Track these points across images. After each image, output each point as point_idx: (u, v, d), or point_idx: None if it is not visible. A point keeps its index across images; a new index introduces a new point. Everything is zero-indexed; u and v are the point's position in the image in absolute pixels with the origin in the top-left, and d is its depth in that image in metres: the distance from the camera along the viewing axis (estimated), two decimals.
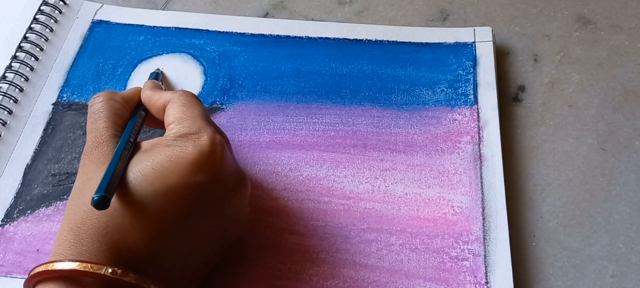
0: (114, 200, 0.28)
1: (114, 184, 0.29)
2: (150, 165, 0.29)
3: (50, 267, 0.27)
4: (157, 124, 0.37)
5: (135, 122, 0.35)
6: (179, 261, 0.31)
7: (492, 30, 0.46)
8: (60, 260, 0.27)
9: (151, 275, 0.29)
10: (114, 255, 0.28)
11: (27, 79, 0.44)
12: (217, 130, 0.34)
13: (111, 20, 0.48)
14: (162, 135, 0.33)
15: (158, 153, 0.30)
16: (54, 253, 0.28)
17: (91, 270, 0.27)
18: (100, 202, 0.27)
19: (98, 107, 0.34)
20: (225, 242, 0.34)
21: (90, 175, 0.31)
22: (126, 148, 0.31)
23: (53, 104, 0.43)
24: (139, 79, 0.45)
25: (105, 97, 0.35)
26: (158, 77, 0.43)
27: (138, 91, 0.37)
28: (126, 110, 0.36)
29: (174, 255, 0.30)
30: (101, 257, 0.28)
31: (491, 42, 0.46)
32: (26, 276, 0.35)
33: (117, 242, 0.28)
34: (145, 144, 0.32)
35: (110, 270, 0.27)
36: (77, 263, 0.27)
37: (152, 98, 0.36)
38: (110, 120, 0.34)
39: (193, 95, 0.34)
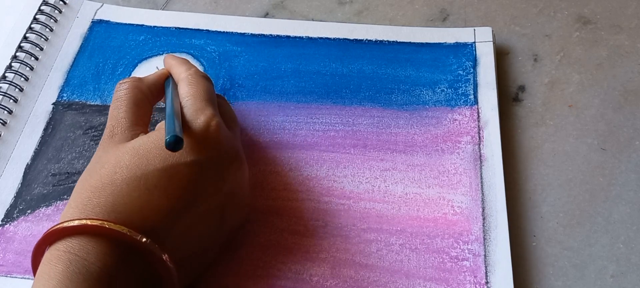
0: (119, 180, 0.30)
1: (179, 126, 0.31)
2: (153, 145, 0.31)
3: (61, 226, 0.28)
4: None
5: (169, 90, 0.36)
6: (183, 242, 0.31)
7: (492, 31, 0.46)
8: (70, 220, 0.28)
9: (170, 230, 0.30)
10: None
11: (27, 79, 0.44)
12: (223, 108, 0.37)
13: (111, 20, 0.48)
14: None
15: (160, 134, 0.32)
16: (61, 218, 0.29)
17: (106, 225, 0.28)
18: (175, 142, 0.29)
19: (121, 95, 0.35)
20: (227, 226, 0.34)
21: (98, 159, 0.32)
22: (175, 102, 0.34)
23: (53, 104, 0.43)
24: None
25: (129, 86, 0.36)
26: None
27: (162, 74, 0.38)
28: (149, 100, 0.37)
29: (178, 236, 0.31)
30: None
31: (491, 42, 0.46)
32: (27, 276, 0.35)
33: (123, 221, 0.29)
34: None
35: (125, 229, 0.28)
36: (88, 220, 0.28)
37: (173, 70, 0.38)
38: (130, 110, 0.34)
39: (200, 74, 0.36)
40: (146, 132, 0.34)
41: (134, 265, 0.29)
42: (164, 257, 0.29)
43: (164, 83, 0.38)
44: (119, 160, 0.31)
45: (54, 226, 0.28)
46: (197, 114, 0.33)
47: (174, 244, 0.30)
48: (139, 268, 0.29)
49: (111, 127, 0.34)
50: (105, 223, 0.28)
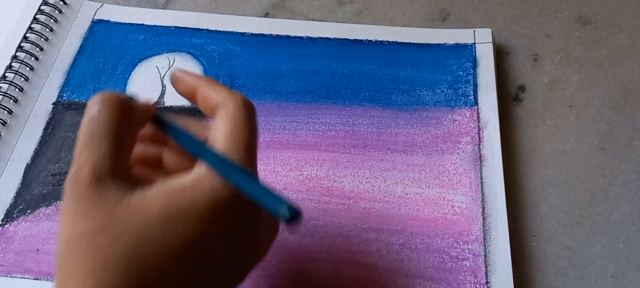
0: (149, 253, 0.23)
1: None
2: (188, 210, 0.24)
3: None
4: (155, 139, 0.30)
5: (185, 132, 0.27)
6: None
7: (492, 32, 0.46)
8: None
9: None
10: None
11: (27, 79, 0.44)
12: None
13: (111, 20, 0.48)
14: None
15: (195, 194, 0.24)
16: None
17: None
18: (297, 215, 0.23)
19: (101, 115, 0.25)
20: (248, 272, 0.29)
21: (100, 223, 0.23)
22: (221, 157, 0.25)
23: (53, 104, 0.43)
24: (139, 78, 0.45)
25: (114, 104, 0.26)
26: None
27: (152, 106, 0.29)
28: (137, 128, 0.27)
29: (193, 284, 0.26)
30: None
31: (491, 44, 0.46)
32: (26, 276, 0.35)
33: (142, 275, 0.23)
34: (161, 182, 0.25)
35: None
36: None
37: (207, 91, 0.27)
38: (117, 142, 0.25)
39: (248, 109, 0.27)
40: (136, 176, 0.26)
41: None
42: None
43: (151, 113, 0.28)
44: (147, 231, 0.23)
45: None
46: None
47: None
48: None
49: (92, 165, 0.24)
50: None
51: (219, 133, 0.26)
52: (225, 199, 0.24)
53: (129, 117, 0.26)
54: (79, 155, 0.24)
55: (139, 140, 0.28)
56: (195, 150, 0.26)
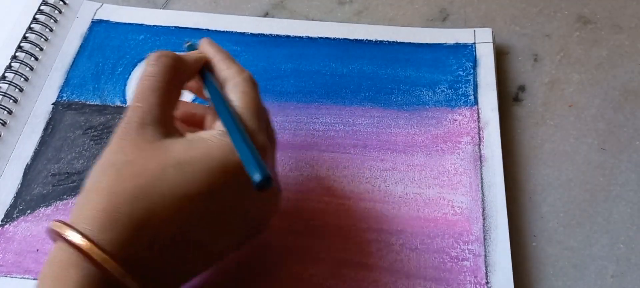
0: (157, 193, 0.27)
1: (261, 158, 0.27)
2: (200, 163, 0.28)
3: (64, 232, 0.26)
4: (199, 93, 0.34)
5: (216, 89, 0.31)
6: (198, 258, 0.30)
7: (492, 31, 0.46)
8: (73, 229, 0.26)
9: (161, 270, 0.27)
10: (139, 243, 0.26)
11: (27, 79, 0.44)
12: (267, 124, 0.33)
13: (111, 20, 0.48)
14: None
15: (209, 151, 0.28)
16: (76, 218, 0.26)
17: (94, 256, 0.25)
18: (267, 183, 0.26)
19: (156, 71, 0.30)
20: (244, 242, 0.33)
21: (131, 158, 0.28)
22: (235, 118, 0.29)
23: (53, 104, 0.43)
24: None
25: (167, 62, 0.30)
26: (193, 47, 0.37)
27: (199, 59, 0.33)
28: (184, 83, 0.32)
29: (198, 252, 0.29)
30: (128, 243, 0.26)
31: (491, 44, 0.46)
32: (26, 276, 0.35)
33: (148, 234, 0.27)
34: (190, 135, 0.30)
35: (114, 266, 0.25)
36: (85, 241, 0.25)
37: (219, 65, 0.32)
38: (165, 96, 0.30)
39: (254, 83, 0.32)
40: (176, 128, 0.30)
41: None
42: None
43: (198, 68, 0.33)
44: (162, 174, 0.27)
45: (61, 227, 0.26)
46: (252, 137, 0.29)
47: (191, 260, 0.29)
48: None
49: (141, 114, 0.29)
50: (108, 260, 0.25)
51: (234, 102, 0.30)
52: (237, 160, 0.27)
53: (177, 75, 0.31)
54: (133, 104, 0.29)
55: (189, 90, 0.34)
56: (220, 111, 0.30)
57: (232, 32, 0.47)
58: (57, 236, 0.26)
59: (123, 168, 0.27)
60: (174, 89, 0.31)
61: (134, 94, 0.30)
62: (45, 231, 0.28)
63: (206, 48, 0.34)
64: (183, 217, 0.27)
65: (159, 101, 0.29)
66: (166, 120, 0.29)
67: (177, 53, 0.32)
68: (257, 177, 0.26)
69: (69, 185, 0.39)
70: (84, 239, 0.25)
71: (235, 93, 0.31)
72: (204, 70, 0.33)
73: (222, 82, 0.32)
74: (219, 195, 0.28)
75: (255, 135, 0.29)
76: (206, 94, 0.32)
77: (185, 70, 0.32)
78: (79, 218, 0.26)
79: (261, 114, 0.31)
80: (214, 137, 0.29)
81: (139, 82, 0.30)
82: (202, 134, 0.29)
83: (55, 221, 0.27)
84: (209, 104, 0.32)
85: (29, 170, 0.40)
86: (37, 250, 0.36)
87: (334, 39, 0.47)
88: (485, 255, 0.36)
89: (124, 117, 0.29)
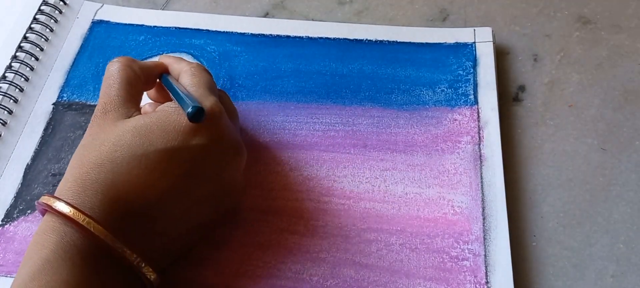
0: (119, 158, 0.30)
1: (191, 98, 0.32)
2: (155, 126, 0.31)
3: (52, 203, 0.29)
4: (165, 101, 0.38)
5: (170, 79, 0.36)
6: (175, 223, 0.32)
7: (492, 31, 0.46)
8: (62, 201, 0.29)
9: (144, 233, 0.31)
10: (113, 208, 0.30)
11: (27, 79, 0.44)
12: (224, 100, 0.37)
13: (111, 20, 0.48)
14: None
15: (163, 116, 0.32)
16: (58, 193, 0.30)
17: (82, 222, 0.29)
18: (199, 113, 0.31)
19: (113, 72, 0.35)
20: (219, 209, 0.35)
21: (95, 136, 0.32)
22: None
23: (53, 104, 0.43)
24: None
25: (123, 64, 0.35)
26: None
27: (158, 65, 0.38)
28: (141, 82, 0.36)
29: (172, 216, 0.32)
30: (102, 209, 0.29)
31: (491, 43, 0.46)
32: None
33: (118, 198, 0.30)
34: (148, 107, 0.37)
35: (108, 237, 0.29)
36: (79, 212, 0.29)
37: (173, 65, 0.38)
38: (123, 89, 0.34)
39: (202, 67, 0.37)
40: (139, 112, 0.34)
41: (116, 260, 0.30)
42: (142, 267, 0.30)
43: (156, 72, 0.38)
44: (120, 139, 0.31)
45: (50, 199, 0.30)
46: (201, 100, 0.33)
47: (167, 224, 0.32)
48: (121, 262, 0.30)
49: (103, 103, 0.34)
50: (92, 223, 0.29)
51: (186, 83, 0.35)
52: (185, 122, 0.31)
53: (133, 72, 0.35)
54: (99, 99, 0.34)
55: (154, 100, 0.39)
56: (170, 89, 0.35)
57: (232, 32, 0.47)
58: (46, 207, 0.30)
59: (89, 144, 0.32)
60: (131, 83, 0.35)
61: (100, 93, 0.35)
62: (36, 204, 0.31)
63: (163, 58, 0.39)
64: (146, 177, 0.31)
65: (119, 93, 0.34)
66: (127, 107, 0.34)
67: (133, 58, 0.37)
68: (189, 109, 0.30)
69: None
70: (69, 207, 0.29)
71: (187, 77, 0.35)
72: (163, 75, 0.38)
73: (177, 76, 0.37)
74: (176, 153, 0.31)
75: (203, 99, 0.33)
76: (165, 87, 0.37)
77: (139, 69, 0.36)
78: (59, 192, 0.30)
79: (213, 89, 0.35)
80: (167, 105, 0.33)
81: (102, 82, 0.35)
82: (159, 107, 0.33)
83: (44, 195, 0.30)
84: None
85: (29, 170, 0.40)
86: None
87: (334, 39, 0.47)
88: (485, 255, 0.36)
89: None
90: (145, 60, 0.38)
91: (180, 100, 0.32)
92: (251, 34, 0.47)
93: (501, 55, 0.47)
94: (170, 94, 0.35)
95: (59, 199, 0.29)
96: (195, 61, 0.38)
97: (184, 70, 0.36)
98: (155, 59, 0.40)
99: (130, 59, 0.36)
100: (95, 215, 0.29)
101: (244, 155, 0.35)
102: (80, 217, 0.29)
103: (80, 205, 0.29)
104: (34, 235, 0.30)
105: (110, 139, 0.31)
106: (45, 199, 0.30)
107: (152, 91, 0.39)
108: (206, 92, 0.34)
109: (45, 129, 0.42)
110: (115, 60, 0.36)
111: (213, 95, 0.34)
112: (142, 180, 0.30)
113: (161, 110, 0.33)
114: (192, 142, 0.32)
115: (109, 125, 0.32)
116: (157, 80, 0.38)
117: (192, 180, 0.32)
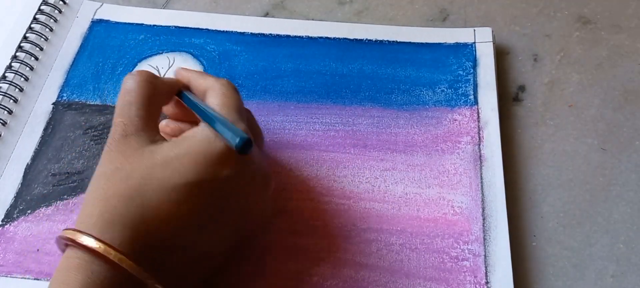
0: (149, 192, 0.29)
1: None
2: (186, 158, 0.30)
3: (78, 238, 0.27)
4: (184, 118, 0.37)
5: (193, 98, 0.34)
6: (200, 250, 0.31)
7: (492, 31, 0.46)
8: (89, 235, 0.27)
9: (172, 265, 0.29)
10: (142, 243, 0.28)
11: (27, 79, 0.44)
12: (250, 123, 0.35)
13: (111, 20, 0.48)
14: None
15: (194, 146, 0.30)
16: (79, 227, 0.28)
17: (113, 258, 0.27)
18: (248, 144, 0.29)
19: (132, 88, 0.32)
20: (246, 233, 0.34)
21: (118, 165, 0.30)
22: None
23: (53, 104, 0.43)
24: None
25: (142, 79, 0.32)
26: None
27: (178, 81, 0.36)
28: (162, 98, 0.34)
29: (197, 245, 0.31)
30: (132, 244, 0.28)
31: (491, 43, 0.46)
32: (27, 276, 0.35)
33: (147, 232, 0.28)
34: (167, 127, 0.35)
35: (144, 274, 0.27)
36: (110, 248, 0.27)
37: (197, 80, 0.35)
38: (143, 108, 0.32)
39: (232, 86, 0.34)
40: (160, 135, 0.32)
41: None
42: None
43: (176, 88, 0.35)
44: (149, 173, 0.29)
45: (75, 233, 0.28)
46: None
47: (193, 253, 0.31)
48: None
49: (123, 127, 0.31)
50: (124, 259, 0.27)
51: (214, 104, 0.32)
52: (218, 150, 0.30)
53: (153, 89, 0.33)
54: (115, 119, 0.31)
55: (171, 118, 0.37)
56: (199, 112, 0.32)
57: (232, 32, 0.47)
58: (70, 242, 0.28)
59: (112, 175, 0.29)
60: (152, 102, 0.32)
61: (115, 110, 0.32)
62: (55, 241, 0.29)
63: (181, 72, 0.36)
64: (176, 210, 0.29)
65: (139, 113, 0.31)
66: (149, 130, 0.31)
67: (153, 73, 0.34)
68: (236, 140, 0.29)
69: (69, 185, 0.39)
70: (98, 242, 0.27)
71: (216, 97, 0.33)
72: (181, 92, 0.35)
73: (203, 93, 0.34)
74: (206, 185, 0.30)
75: (236, 124, 0.31)
76: (185, 103, 0.35)
77: (160, 85, 0.34)
78: (83, 226, 0.28)
79: (242, 112, 0.33)
80: (196, 132, 0.31)
81: (118, 98, 0.32)
82: (186, 133, 0.31)
83: (66, 229, 0.28)
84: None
85: (29, 170, 0.40)
86: (38, 249, 0.36)
87: (334, 38, 0.47)
88: (485, 255, 0.36)
89: (110, 132, 0.31)
90: (165, 77, 0.36)
91: (218, 127, 0.30)
92: (251, 33, 0.47)
93: (501, 55, 0.47)
94: (199, 116, 0.32)
95: (84, 233, 0.27)
96: (222, 78, 0.34)
97: (211, 87, 0.33)
98: (161, 56, 0.37)
99: (150, 74, 0.33)
100: (125, 251, 0.27)
101: (271, 184, 0.34)
102: (111, 253, 0.27)
103: (109, 240, 0.27)
104: (55, 273, 0.28)
105: (137, 171, 0.29)
106: (69, 234, 0.28)
107: (169, 106, 0.37)
108: (237, 117, 0.31)
109: (45, 129, 0.42)
110: (133, 74, 0.33)
111: (243, 120, 0.32)
112: (171, 214, 0.29)
113: (191, 139, 0.30)
114: (222, 173, 0.30)
115: (132, 152, 0.30)
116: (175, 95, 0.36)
117: (221, 211, 0.31)
